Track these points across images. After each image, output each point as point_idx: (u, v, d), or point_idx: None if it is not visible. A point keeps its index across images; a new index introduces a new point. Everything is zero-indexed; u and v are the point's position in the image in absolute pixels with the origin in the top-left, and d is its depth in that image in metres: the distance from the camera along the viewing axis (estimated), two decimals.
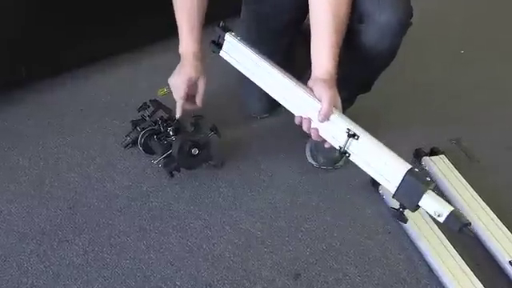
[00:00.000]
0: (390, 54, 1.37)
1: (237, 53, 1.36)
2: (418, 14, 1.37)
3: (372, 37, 1.31)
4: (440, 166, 1.53)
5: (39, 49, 1.76)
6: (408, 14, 1.31)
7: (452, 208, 0.97)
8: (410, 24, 1.33)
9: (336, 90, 1.20)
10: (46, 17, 1.74)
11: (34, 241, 1.31)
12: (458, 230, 0.96)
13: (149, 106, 1.58)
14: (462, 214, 0.99)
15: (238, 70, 1.38)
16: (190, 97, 1.47)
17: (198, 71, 1.42)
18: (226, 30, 1.39)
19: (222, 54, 1.40)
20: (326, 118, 1.17)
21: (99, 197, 1.44)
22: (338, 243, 1.35)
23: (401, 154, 1.58)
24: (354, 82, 1.46)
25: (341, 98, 1.53)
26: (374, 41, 1.31)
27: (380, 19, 1.28)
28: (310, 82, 1.23)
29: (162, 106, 1.58)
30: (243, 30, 1.64)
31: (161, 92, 1.73)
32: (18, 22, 1.68)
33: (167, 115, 1.55)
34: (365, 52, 1.33)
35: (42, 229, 1.34)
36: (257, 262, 1.29)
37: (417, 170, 1.07)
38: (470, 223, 0.96)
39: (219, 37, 1.39)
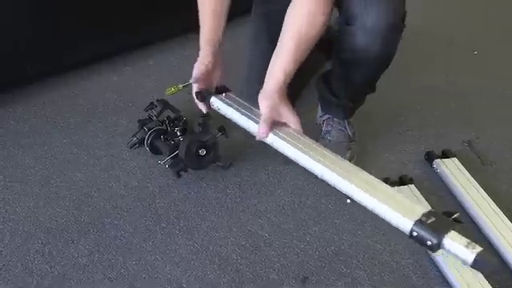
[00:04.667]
0: (384, 56, 1.30)
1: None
2: (432, 16, 1.35)
3: (361, 39, 1.26)
4: (452, 169, 1.52)
5: (45, 47, 1.77)
6: (397, 15, 1.25)
7: (475, 254, 0.83)
8: (404, 26, 1.28)
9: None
10: (51, 15, 1.74)
11: (39, 241, 1.30)
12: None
13: (156, 106, 1.57)
14: (487, 255, 0.84)
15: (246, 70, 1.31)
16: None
17: (211, 58, 1.33)
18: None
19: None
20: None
21: (105, 197, 1.43)
22: (347, 247, 1.33)
23: (413, 157, 1.60)
24: (355, 82, 1.43)
25: (348, 100, 1.52)
26: (363, 43, 1.26)
27: (367, 22, 1.23)
28: (265, 94, 1.20)
29: (170, 105, 1.57)
30: (253, 31, 1.63)
31: (168, 91, 1.72)
32: (22, 20, 1.67)
33: (174, 115, 1.54)
34: (357, 54, 1.28)
35: (47, 229, 1.33)
36: (264, 264, 1.27)
37: (424, 218, 0.89)
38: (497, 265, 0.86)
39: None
